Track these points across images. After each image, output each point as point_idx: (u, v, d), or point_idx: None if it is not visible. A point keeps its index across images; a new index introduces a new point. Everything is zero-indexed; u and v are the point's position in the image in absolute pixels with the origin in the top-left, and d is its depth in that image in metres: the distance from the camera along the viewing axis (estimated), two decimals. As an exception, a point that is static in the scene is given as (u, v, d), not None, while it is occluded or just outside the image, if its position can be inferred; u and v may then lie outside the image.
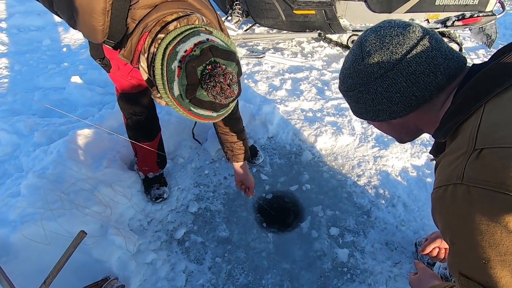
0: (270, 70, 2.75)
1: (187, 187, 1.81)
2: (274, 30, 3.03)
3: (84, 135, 1.67)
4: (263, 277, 1.45)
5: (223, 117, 0.93)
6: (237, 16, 2.88)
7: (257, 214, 1.72)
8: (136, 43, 0.94)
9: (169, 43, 0.85)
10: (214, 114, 0.89)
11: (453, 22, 2.51)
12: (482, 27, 2.56)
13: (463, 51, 2.75)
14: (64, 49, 3.19)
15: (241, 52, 2.91)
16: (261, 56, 2.87)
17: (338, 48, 3.09)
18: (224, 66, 0.82)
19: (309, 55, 3.01)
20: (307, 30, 2.79)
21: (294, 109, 2.32)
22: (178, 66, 0.82)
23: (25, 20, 3.70)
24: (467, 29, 2.61)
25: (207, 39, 0.84)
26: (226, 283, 1.42)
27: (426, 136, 2.13)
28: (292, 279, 1.44)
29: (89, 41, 1.27)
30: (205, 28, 0.90)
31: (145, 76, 0.96)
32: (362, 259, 1.50)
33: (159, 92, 0.90)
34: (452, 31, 2.66)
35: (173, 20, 0.90)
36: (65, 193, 1.35)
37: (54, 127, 1.85)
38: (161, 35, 0.87)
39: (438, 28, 2.58)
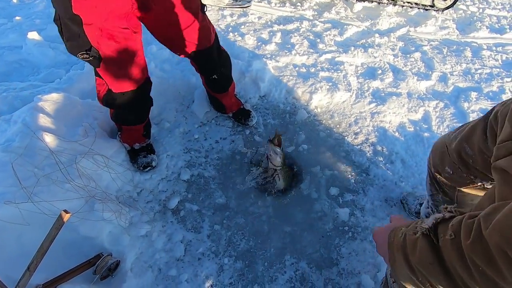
0: (257, 22, 2.50)
1: (176, 154, 1.68)
2: (259, -25, 2.70)
3: (52, 100, 1.45)
4: (265, 241, 1.41)
5: None
6: (217, -43, 2.51)
7: (254, 178, 1.64)
8: None
9: None
10: None
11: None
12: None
13: (461, -4, 2.59)
14: (15, 0, 2.73)
15: (223, 1, 2.60)
16: (246, 5, 2.58)
17: (329, -5, 2.83)
18: None
19: (298, 3, 2.75)
20: (296, -27, 2.49)
21: (286, 64, 2.14)
22: None
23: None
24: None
25: None
26: (227, 249, 1.38)
27: (422, 89, 2.06)
28: (294, 241, 1.42)
29: (65, 32, 1.05)
30: None
31: None
32: (363, 217, 1.49)
33: None
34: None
35: None
36: (38, 168, 1.18)
37: (15, 92, 1.60)
38: None
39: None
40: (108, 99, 1.33)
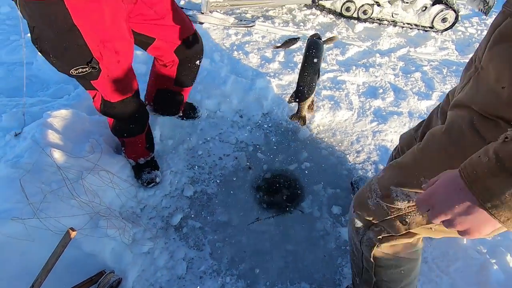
0: (261, 41, 2.57)
1: (180, 170, 1.69)
2: (263, -4, 2.79)
3: (61, 116, 1.49)
4: (267, 260, 1.41)
5: None
6: (223, -21, 2.61)
7: (257, 195, 1.65)
8: None
9: None
10: None
11: (453, -13, 2.39)
12: (480, -7, 2.46)
13: (459, 19, 2.66)
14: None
15: (228, 20, 2.68)
16: (250, 25, 2.66)
17: (331, 16, 2.91)
18: None
19: (301, 23, 2.83)
20: (299, -5, 2.58)
21: (288, 83, 2.19)
22: None
23: (-24, -17, 3.21)
24: (465, -5, 2.51)
25: None
26: (229, 268, 1.38)
27: (423, 109, 2.09)
28: (296, 260, 1.41)
29: (54, 49, 0.99)
30: None
31: None
32: (365, 237, 1.49)
33: None
34: (449, -3, 2.55)
35: None
36: (45, 184, 1.20)
37: (25, 108, 1.64)
38: None
39: (437, -7, 2.45)
40: (106, 108, 1.28)
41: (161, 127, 1.82)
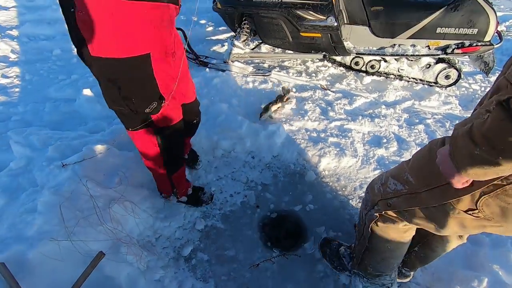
0: (276, 89, 2.83)
1: (194, 204, 1.85)
2: (280, 49, 3.12)
3: (97, 151, 1.73)
4: (268, 297, 1.49)
5: None
6: (245, 34, 2.97)
7: (262, 233, 1.77)
8: None
9: None
10: None
11: (453, 49, 2.61)
12: (480, 55, 2.67)
13: (462, 76, 2.85)
14: (74, 60, 3.26)
15: (247, 69, 2.99)
16: (267, 74, 2.95)
17: (342, 68, 3.19)
18: None
19: (313, 74, 3.10)
20: (312, 51, 2.88)
21: (298, 128, 2.38)
22: None
23: (35, 29, 3.77)
24: (466, 56, 2.72)
25: None
26: (231, 302, 1.46)
27: (425, 160, 2.20)
28: (296, 299, 1.49)
29: (137, 96, 1.19)
30: None
31: None
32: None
33: None
34: (451, 58, 2.76)
35: None
36: (80, 211, 1.39)
37: (67, 141, 1.90)
38: None
39: (438, 54, 2.68)
40: (166, 132, 1.41)
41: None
